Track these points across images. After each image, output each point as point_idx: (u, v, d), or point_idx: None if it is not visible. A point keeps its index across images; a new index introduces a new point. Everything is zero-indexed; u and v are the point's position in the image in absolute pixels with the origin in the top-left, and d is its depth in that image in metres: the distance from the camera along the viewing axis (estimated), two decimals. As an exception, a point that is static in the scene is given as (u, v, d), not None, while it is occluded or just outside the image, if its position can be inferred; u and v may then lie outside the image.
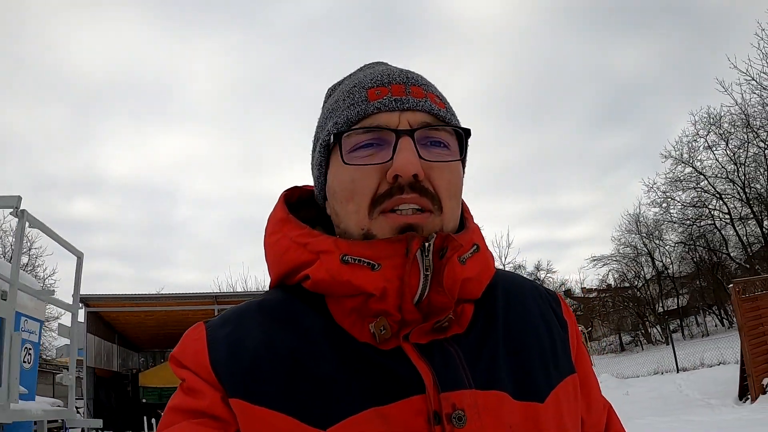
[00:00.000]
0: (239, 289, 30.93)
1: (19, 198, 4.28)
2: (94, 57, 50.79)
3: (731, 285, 10.50)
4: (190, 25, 57.20)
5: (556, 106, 51.36)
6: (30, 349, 5.21)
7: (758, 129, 22.69)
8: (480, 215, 0.84)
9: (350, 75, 0.82)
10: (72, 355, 5.90)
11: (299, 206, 0.84)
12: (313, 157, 0.80)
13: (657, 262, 30.26)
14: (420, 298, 0.68)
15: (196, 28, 56.77)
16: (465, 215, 0.80)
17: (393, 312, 0.68)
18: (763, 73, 21.11)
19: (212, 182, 57.44)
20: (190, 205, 56.45)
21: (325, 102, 0.83)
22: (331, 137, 0.72)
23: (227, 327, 0.71)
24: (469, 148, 0.75)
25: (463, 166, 0.76)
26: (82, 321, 4.66)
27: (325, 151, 0.74)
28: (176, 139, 55.70)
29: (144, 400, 17.53)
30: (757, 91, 21.79)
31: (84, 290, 6.17)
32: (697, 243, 27.38)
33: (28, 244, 24.51)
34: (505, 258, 29.56)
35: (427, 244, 0.66)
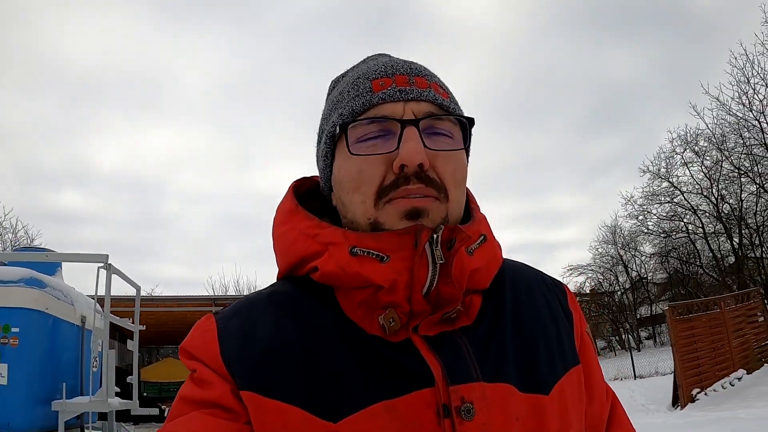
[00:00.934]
0: (231, 290, 32.58)
1: (107, 255, 5.72)
2: (85, 49, 49.90)
3: (667, 308, 11.86)
4: (182, 20, 55.92)
5: (546, 109, 50.92)
6: (96, 358, 6.72)
7: (731, 150, 23.94)
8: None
9: (353, 67, 0.83)
10: (134, 364, 7.26)
11: (307, 197, 0.83)
12: (318, 149, 0.80)
13: (632, 272, 31.45)
14: (429, 290, 0.68)
15: (188, 23, 55.71)
16: (471, 205, 0.80)
17: (402, 304, 0.68)
18: (734, 99, 22.44)
19: (201, 177, 56.78)
20: (178, 199, 56.06)
21: (329, 94, 0.84)
22: (337, 128, 0.72)
23: (238, 318, 0.72)
24: (472, 137, 0.75)
25: (467, 155, 0.77)
26: (100, 326, 5.86)
27: (331, 143, 0.74)
28: (166, 134, 55.07)
29: (145, 394, 18.97)
30: (729, 116, 23.10)
31: (74, 284, 7.16)
32: (671, 254, 28.56)
33: (29, 242, 25.36)
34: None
35: (435, 235, 0.66)
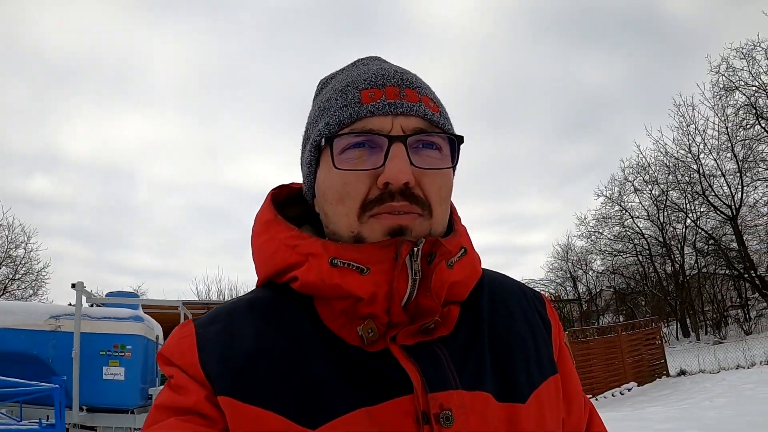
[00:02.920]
0: (213, 291, 34.19)
1: (182, 302, 8.81)
2: (59, 34, 47.95)
3: (567, 331, 14.97)
4: (158, 7, 54.03)
5: (518, 115, 50.89)
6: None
7: (670, 183, 27.07)
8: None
9: (343, 70, 0.81)
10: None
11: (286, 204, 0.84)
12: (303, 154, 0.79)
13: (581, 288, 34.33)
14: (407, 301, 0.68)
15: (164, 11, 53.38)
16: (453, 217, 0.80)
17: (381, 315, 0.68)
18: (675, 141, 25.69)
19: (173, 167, 54.66)
20: (149, 189, 54.32)
21: (316, 96, 0.82)
22: (323, 139, 0.71)
23: (216, 325, 0.71)
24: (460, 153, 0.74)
25: (453, 171, 0.76)
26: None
27: (316, 151, 0.74)
28: (138, 122, 52.77)
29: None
30: (669, 157, 26.39)
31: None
32: (617, 272, 31.53)
33: (25, 239, 26.73)
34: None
35: (416, 249, 0.67)
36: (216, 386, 0.66)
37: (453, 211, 0.81)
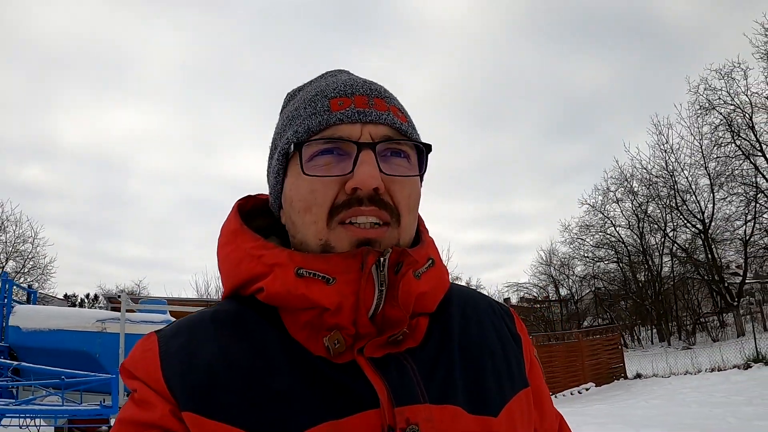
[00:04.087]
0: (213, 287, 34.00)
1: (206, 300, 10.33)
2: (53, 23, 48.21)
3: (531, 336, 16.78)
4: (153, 1, 56.21)
5: (511, 114, 51.47)
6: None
7: (648, 196, 28.66)
8: (428, 216, 0.83)
9: (311, 82, 0.81)
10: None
11: (253, 215, 0.82)
12: (269, 165, 0.79)
13: (564, 292, 35.55)
14: (375, 312, 0.68)
15: (158, 2, 55.62)
16: (420, 228, 0.79)
17: (347, 326, 0.67)
18: (651, 159, 27.27)
19: (166, 159, 55.73)
20: (142, 180, 54.42)
21: (283, 108, 0.82)
22: (291, 146, 0.71)
23: (180, 338, 0.70)
24: (428, 163, 0.74)
25: (421, 180, 0.76)
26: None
27: (284, 159, 0.73)
28: (132, 113, 53.32)
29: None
30: (648, 173, 27.93)
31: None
32: (598, 277, 32.90)
33: (33, 233, 27.43)
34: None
35: (382, 259, 0.66)
36: (180, 401, 0.64)
37: (420, 223, 0.81)
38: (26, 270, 27.58)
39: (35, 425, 7.11)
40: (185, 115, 55.66)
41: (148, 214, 54.40)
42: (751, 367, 14.08)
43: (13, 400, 7.53)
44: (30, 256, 27.55)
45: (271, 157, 0.79)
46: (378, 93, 0.74)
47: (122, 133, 53.50)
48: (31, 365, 7.82)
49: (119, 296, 10.36)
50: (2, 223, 26.63)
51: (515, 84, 51.96)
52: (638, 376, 16.97)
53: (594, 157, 47.69)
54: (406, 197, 0.71)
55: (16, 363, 8.12)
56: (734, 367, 14.62)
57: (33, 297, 11.74)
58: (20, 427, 7.02)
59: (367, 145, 0.68)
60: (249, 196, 0.85)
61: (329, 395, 0.65)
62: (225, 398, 0.64)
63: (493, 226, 56.22)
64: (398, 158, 0.72)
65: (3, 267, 26.38)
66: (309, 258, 0.68)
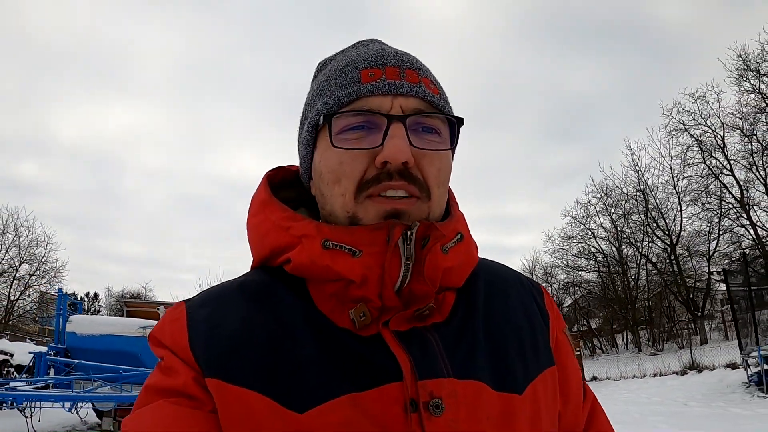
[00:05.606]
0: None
1: None
2: (50, 19, 50.10)
3: None
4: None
5: (506, 116, 52.01)
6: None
7: (626, 212, 30.64)
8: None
9: (343, 51, 0.80)
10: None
11: (282, 186, 0.83)
12: (300, 135, 0.79)
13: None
14: (401, 286, 0.68)
15: (155, 2, 55.71)
16: (450, 202, 0.79)
17: (373, 299, 0.67)
18: (624, 180, 29.22)
19: (160, 157, 56.99)
20: (136, 177, 55.15)
21: (314, 77, 0.82)
22: (321, 118, 0.70)
23: (207, 307, 0.71)
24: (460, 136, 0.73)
25: (453, 154, 0.75)
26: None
27: (314, 131, 0.73)
28: (127, 110, 54.71)
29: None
30: (621, 193, 29.88)
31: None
32: (578, 285, 34.65)
33: (45, 239, 28.80)
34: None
35: (409, 232, 0.66)
36: (204, 368, 0.65)
37: (451, 196, 0.80)
38: (41, 273, 28.80)
39: (87, 407, 9.50)
40: (179, 113, 56.44)
41: (144, 212, 54.91)
42: (687, 373, 15.97)
43: (74, 390, 9.67)
44: (43, 260, 28.69)
45: (301, 128, 0.79)
46: (410, 64, 0.73)
47: (117, 130, 54.77)
48: (90, 362, 10.20)
49: (124, 297, 12.36)
50: (17, 228, 27.84)
51: (509, 87, 52.50)
52: (594, 378, 18.90)
53: (588, 161, 48.60)
54: (436, 172, 0.70)
55: (77, 361, 10.52)
56: (674, 373, 16.52)
57: (79, 307, 13.81)
58: (69, 411, 9.28)
59: (397, 117, 0.67)
60: (279, 167, 0.85)
61: (351, 367, 0.64)
62: (248, 365, 0.64)
63: (486, 228, 56.86)
64: (429, 134, 0.70)
65: (17, 270, 27.80)
66: (336, 230, 0.68)
